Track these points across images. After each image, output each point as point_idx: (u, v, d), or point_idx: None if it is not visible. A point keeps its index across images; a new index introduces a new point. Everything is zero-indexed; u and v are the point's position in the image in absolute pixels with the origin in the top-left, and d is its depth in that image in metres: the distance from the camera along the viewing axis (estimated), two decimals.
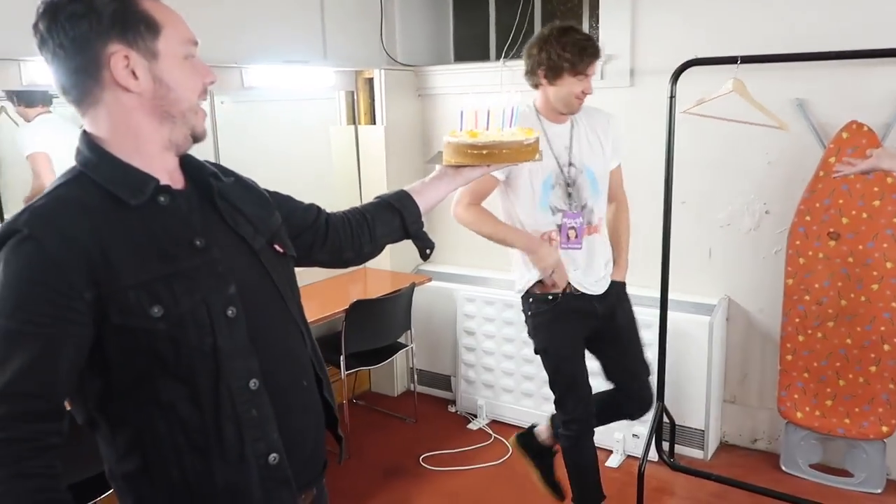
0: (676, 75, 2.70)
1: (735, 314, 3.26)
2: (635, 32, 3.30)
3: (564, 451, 2.54)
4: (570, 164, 2.33)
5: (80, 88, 1.07)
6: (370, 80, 3.84)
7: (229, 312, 1.10)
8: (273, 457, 1.14)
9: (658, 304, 2.88)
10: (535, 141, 1.39)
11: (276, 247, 1.26)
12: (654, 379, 2.82)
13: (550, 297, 2.38)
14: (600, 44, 2.40)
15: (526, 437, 2.78)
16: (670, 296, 3.12)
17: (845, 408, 2.88)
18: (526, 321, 2.50)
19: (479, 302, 3.57)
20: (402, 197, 1.47)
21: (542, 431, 2.72)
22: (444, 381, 3.87)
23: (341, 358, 3.22)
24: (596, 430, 2.53)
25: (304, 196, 1.47)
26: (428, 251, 1.50)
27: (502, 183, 2.36)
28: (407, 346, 3.64)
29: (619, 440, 3.22)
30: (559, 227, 2.35)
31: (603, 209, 2.45)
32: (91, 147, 1.08)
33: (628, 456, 3.24)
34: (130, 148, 1.08)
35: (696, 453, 3.19)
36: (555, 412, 2.56)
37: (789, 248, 2.93)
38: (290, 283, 1.28)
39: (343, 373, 3.27)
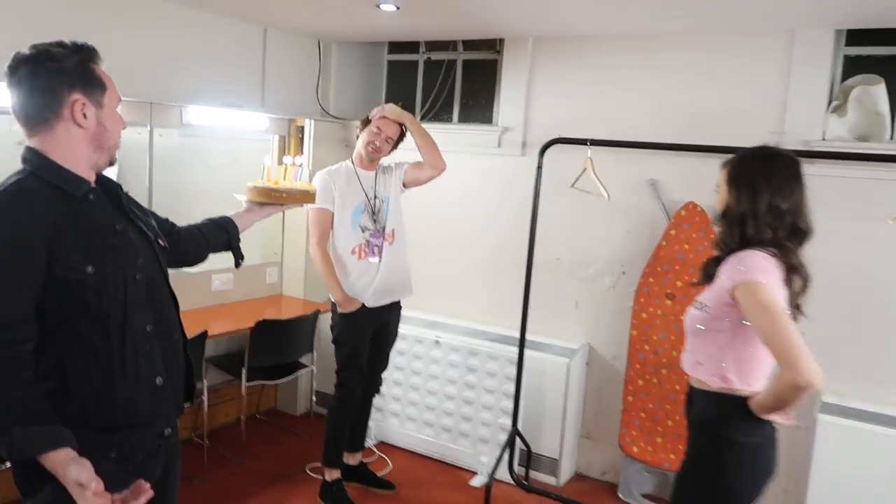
0: (543, 150, 3.23)
1: (594, 359, 3.73)
2: (528, 111, 3.85)
3: (337, 417, 3.28)
4: (375, 197, 3.17)
5: (40, 118, 1.49)
6: (301, 128, 4.31)
7: (137, 276, 1.57)
8: (159, 379, 1.60)
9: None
10: (315, 192, 2.15)
11: (159, 241, 1.73)
12: (509, 405, 3.29)
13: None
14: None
15: (324, 493, 3.33)
16: (539, 338, 3.63)
17: (672, 444, 3.34)
18: (332, 317, 3.25)
19: None
20: (227, 221, 2.04)
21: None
22: None
23: (243, 370, 3.59)
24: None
25: None
26: (240, 261, 2.05)
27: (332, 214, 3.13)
28: (309, 367, 4.03)
29: (484, 463, 3.62)
30: (367, 241, 3.13)
31: (396, 222, 3.21)
32: (39, 156, 1.51)
33: (497, 481, 3.64)
34: (70, 163, 1.52)
35: (549, 479, 3.62)
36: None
37: (635, 304, 3.44)
38: (166, 267, 1.74)
39: (244, 386, 3.63)
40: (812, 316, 3.12)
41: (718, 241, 1.92)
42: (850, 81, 3.12)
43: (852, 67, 3.19)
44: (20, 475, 1.49)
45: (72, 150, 1.52)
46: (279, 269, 4.39)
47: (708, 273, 1.92)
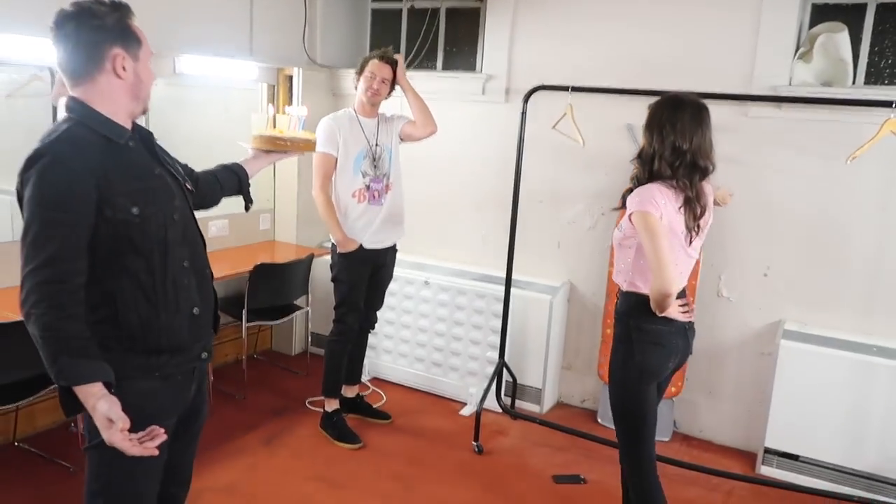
0: (527, 97, 3.38)
1: (575, 297, 3.96)
2: (512, 58, 3.98)
3: (335, 350, 3.48)
4: (377, 145, 3.32)
5: (84, 70, 1.62)
6: (290, 77, 4.40)
7: (175, 216, 1.73)
8: (196, 309, 1.78)
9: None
10: (315, 140, 2.29)
11: (187, 185, 1.89)
12: (495, 340, 3.52)
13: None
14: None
15: (325, 422, 3.55)
16: (523, 277, 3.83)
17: None
18: (332, 257, 3.45)
19: None
20: (238, 167, 2.20)
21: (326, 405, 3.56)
22: None
23: (243, 312, 3.77)
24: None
25: None
26: (250, 204, 2.21)
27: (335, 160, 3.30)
28: (304, 309, 4.22)
29: (473, 394, 3.87)
30: (367, 186, 3.30)
31: (395, 170, 3.41)
32: (83, 106, 1.64)
33: (485, 410, 3.89)
34: (110, 112, 1.66)
35: (534, 408, 3.89)
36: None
37: (613, 243, 3.65)
38: (193, 209, 1.90)
39: (244, 327, 3.81)
40: (777, 249, 3.39)
41: (633, 176, 2.29)
42: (815, 29, 3.29)
43: (818, 15, 3.37)
44: (65, 396, 1.65)
45: (112, 101, 1.66)
46: (272, 216, 4.54)
47: (625, 201, 2.25)
